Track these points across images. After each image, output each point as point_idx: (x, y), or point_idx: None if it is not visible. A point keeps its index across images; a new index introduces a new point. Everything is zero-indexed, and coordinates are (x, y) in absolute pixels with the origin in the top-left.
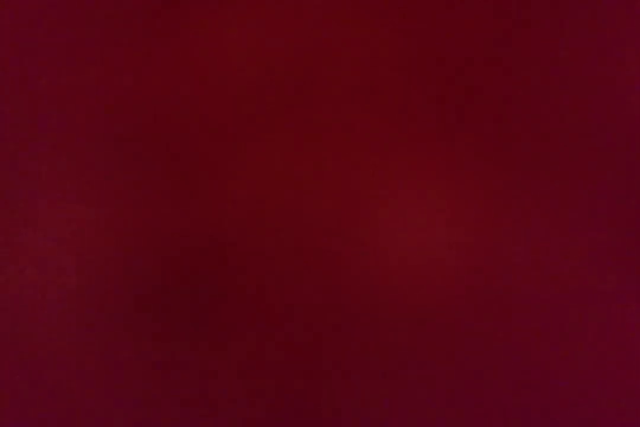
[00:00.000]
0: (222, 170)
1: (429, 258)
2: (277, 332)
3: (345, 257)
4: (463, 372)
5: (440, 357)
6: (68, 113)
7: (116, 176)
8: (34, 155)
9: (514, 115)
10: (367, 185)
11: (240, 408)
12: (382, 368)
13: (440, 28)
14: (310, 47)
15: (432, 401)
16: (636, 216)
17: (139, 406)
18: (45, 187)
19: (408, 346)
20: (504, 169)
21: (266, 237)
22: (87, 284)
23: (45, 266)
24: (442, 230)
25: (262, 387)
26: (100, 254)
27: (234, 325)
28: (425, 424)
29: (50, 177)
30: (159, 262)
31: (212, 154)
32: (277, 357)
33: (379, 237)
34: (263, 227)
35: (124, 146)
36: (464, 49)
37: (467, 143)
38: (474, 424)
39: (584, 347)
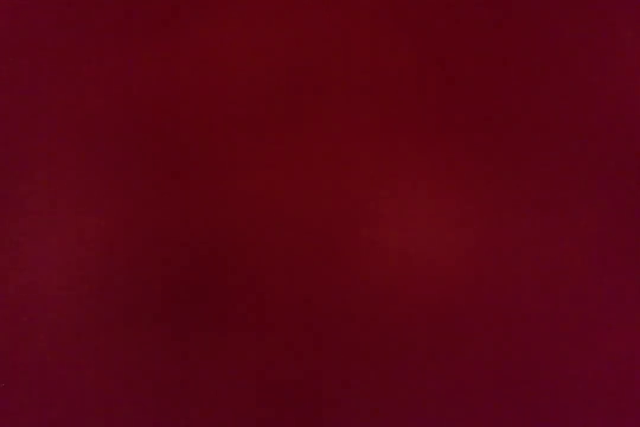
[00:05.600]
0: (223, 170)
1: (429, 258)
2: (278, 331)
3: (346, 257)
4: (463, 373)
5: (441, 357)
6: (68, 113)
7: (117, 176)
8: (34, 155)
9: (515, 115)
10: (368, 186)
11: (242, 407)
12: (382, 368)
13: (440, 29)
14: (310, 48)
15: (431, 400)
16: (639, 216)
17: (139, 405)
18: (45, 187)
19: (408, 345)
20: (506, 169)
21: (268, 237)
22: (87, 284)
23: (46, 268)
24: (443, 230)
25: (263, 386)
26: (100, 254)
27: (234, 324)
28: (424, 424)
29: (50, 177)
30: (160, 263)
31: (212, 154)
32: (277, 356)
33: (379, 236)
34: (264, 227)
35: (125, 146)
36: (464, 49)
37: (469, 144)
38: (473, 425)
39: (584, 349)
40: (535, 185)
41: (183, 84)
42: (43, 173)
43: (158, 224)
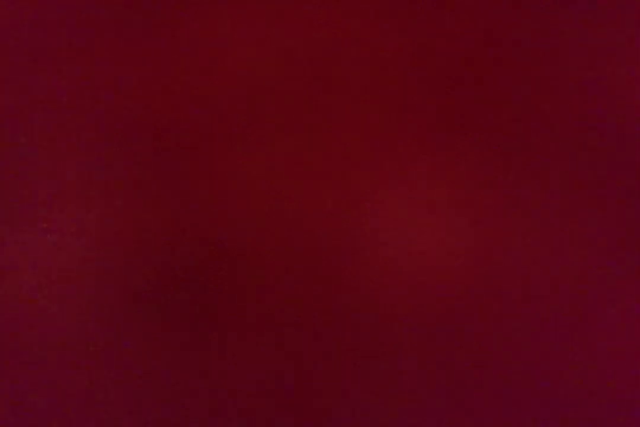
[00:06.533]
0: (222, 170)
1: (430, 258)
2: (276, 329)
3: (345, 258)
4: (463, 373)
5: (441, 357)
6: (67, 112)
7: (118, 175)
8: (34, 155)
9: (514, 115)
10: (369, 186)
11: (240, 404)
12: (381, 368)
13: (442, 27)
14: (312, 47)
15: (429, 402)
16: (639, 217)
17: (137, 405)
18: (44, 187)
19: (408, 345)
20: (508, 169)
21: (268, 236)
22: (86, 285)
23: (44, 267)
24: (444, 230)
25: (261, 387)
26: (100, 253)
27: (233, 325)
28: (423, 424)
29: (49, 177)
30: (159, 262)
31: (211, 154)
32: (276, 354)
33: (380, 235)
34: (264, 226)
35: (124, 146)
36: (466, 48)
37: (471, 144)
38: (471, 425)
39: (584, 350)
40: (537, 185)
41: (183, 84)
42: (43, 172)
43: (158, 223)
